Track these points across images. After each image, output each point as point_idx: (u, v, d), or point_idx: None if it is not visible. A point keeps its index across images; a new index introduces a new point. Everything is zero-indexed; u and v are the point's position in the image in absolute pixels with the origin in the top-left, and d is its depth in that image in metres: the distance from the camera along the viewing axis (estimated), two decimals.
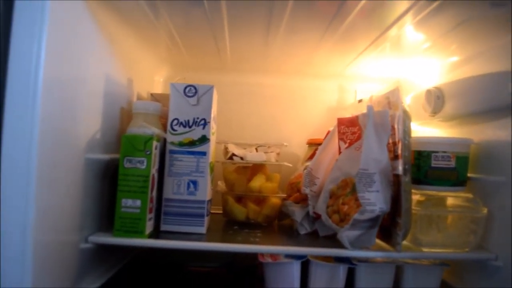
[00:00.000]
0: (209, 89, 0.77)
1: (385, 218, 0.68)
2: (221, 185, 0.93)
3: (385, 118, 0.68)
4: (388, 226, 0.69)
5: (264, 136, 1.09)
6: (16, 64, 0.50)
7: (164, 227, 0.74)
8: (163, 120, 0.80)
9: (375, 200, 0.65)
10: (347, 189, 0.71)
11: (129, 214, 0.67)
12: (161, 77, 1.12)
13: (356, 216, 0.65)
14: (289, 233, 0.83)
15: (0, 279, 0.48)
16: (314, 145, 0.99)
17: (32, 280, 0.50)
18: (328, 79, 1.13)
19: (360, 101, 0.92)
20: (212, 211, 0.86)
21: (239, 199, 0.90)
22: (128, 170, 0.67)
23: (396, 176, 0.67)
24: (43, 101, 0.50)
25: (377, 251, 0.69)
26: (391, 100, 0.71)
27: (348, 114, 0.83)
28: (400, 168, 0.66)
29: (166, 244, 0.68)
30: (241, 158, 0.89)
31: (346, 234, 0.67)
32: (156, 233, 0.72)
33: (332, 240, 0.73)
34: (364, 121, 0.71)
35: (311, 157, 0.96)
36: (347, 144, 0.77)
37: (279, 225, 0.91)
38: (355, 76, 1.09)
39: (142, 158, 0.67)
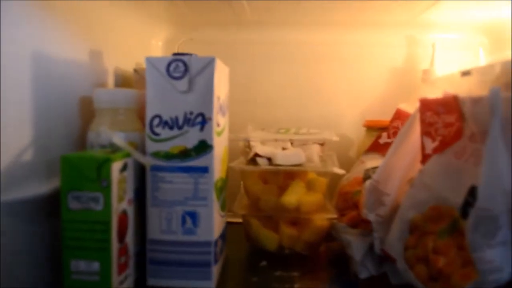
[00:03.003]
0: (208, 63, 0.47)
1: None
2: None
3: None
4: None
5: (303, 116, 0.80)
6: None
7: (151, 281, 0.49)
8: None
9: (500, 261, 0.36)
10: (442, 224, 0.42)
11: (83, 283, 0.41)
12: (160, 40, 0.83)
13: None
14: (343, 274, 0.55)
15: None
16: (376, 129, 0.69)
17: None
18: (392, 28, 0.79)
19: (465, 73, 0.55)
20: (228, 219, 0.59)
21: (268, 220, 0.62)
22: (76, 214, 0.41)
23: None
24: None
25: None
26: None
27: (435, 90, 0.51)
28: None
29: None
30: (269, 160, 0.61)
31: None
32: None
33: None
34: (477, 111, 0.40)
35: (372, 147, 0.67)
36: (437, 143, 0.46)
37: (326, 251, 0.63)
38: (433, 22, 0.75)
39: (97, 193, 0.40)
